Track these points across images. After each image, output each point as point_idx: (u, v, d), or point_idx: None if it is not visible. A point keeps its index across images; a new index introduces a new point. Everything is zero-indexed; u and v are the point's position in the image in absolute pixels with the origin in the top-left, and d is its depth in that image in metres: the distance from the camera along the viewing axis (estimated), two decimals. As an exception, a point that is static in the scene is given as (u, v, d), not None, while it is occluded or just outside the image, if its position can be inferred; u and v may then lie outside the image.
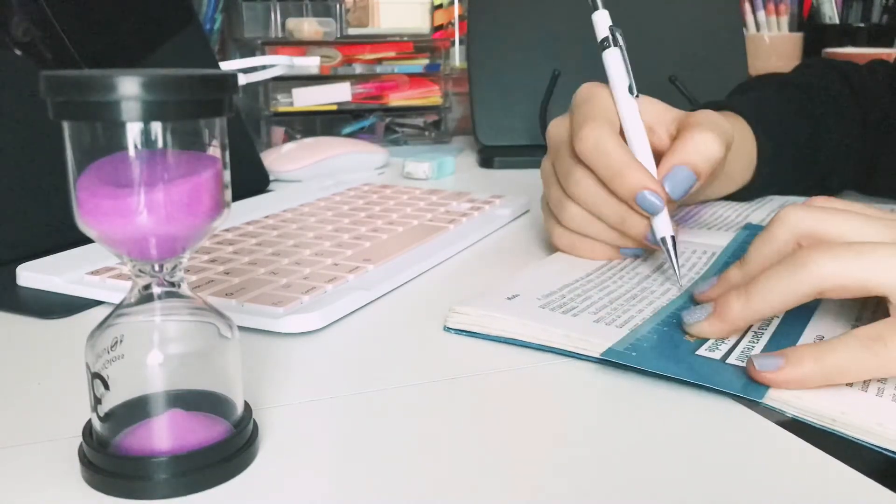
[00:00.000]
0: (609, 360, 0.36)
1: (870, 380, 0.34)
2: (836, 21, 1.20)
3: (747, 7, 1.17)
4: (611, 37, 0.48)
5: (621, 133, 0.47)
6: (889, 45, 1.15)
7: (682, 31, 0.97)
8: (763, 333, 0.39)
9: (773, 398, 0.33)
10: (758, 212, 0.64)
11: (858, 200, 0.66)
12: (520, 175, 0.84)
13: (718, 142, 0.46)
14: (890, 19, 1.18)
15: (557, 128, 0.50)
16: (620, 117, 0.47)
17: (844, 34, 1.17)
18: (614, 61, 0.48)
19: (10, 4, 0.55)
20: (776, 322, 0.40)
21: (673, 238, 0.45)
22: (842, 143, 0.67)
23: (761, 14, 1.17)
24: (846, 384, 0.33)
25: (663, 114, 0.49)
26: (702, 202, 0.65)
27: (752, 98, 0.66)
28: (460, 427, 0.32)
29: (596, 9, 0.49)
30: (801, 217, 0.38)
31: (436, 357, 0.39)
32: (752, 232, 0.56)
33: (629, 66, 0.48)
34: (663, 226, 0.45)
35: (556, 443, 0.31)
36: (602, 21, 0.49)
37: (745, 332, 0.39)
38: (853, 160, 0.68)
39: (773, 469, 0.29)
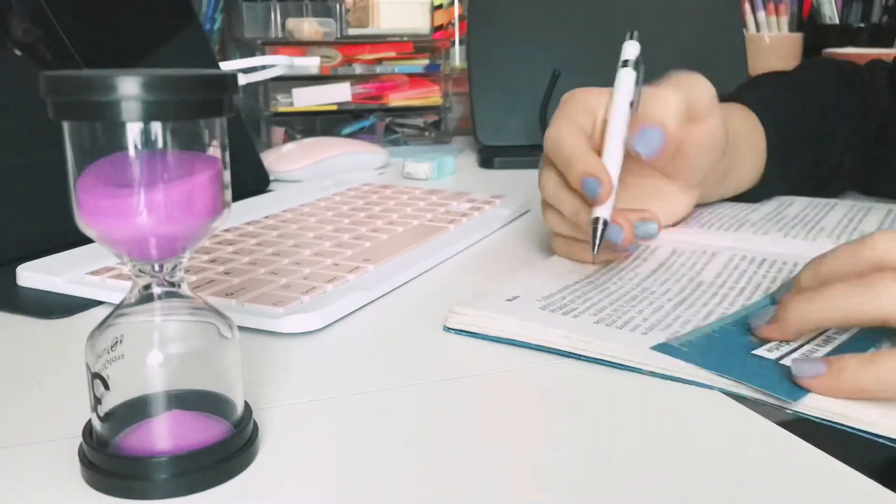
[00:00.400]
0: (606, 362, 0.37)
1: None
2: (836, 21, 1.20)
3: (747, 7, 1.17)
4: (633, 61, 0.50)
5: (601, 138, 0.48)
6: (889, 45, 1.15)
7: (682, 31, 0.97)
8: (835, 339, 0.38)
9: (807, 405, 0.32)
10: (755, 213, 0.62)
11: (860, 201, 0.67)
12: (520, 175, 0.84)
13: (676, 95, 0.48)
14: (890, 19, 1.18)
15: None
16: (608, 120, 0.48)
17: (844, 34, 1.17)
18: (627, 79, 0.49)
19: (10, 4, 0.55)
20: (855, 330, 0.38)
21: (605, 222, 0.44)
22: (847, 142, 0.67)
23: (761, 14, 1.17)
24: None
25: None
26: (715, 201, 0.63)
27: (760, 94, 0.66)
28: (460, 427, 0.32)
29: (631, 38, 0.52)
30: (891, 245, 0.35)
31: (436, 357, 0.39)
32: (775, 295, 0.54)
33: (640, 89, 0.50)
34: (602, 208, 0.45)
35: (557, 443, 0.31)
36: (632, 50, 0.52)
37: (818, 335, 0.38)
38: (857, 160, 0.68)
39: (773, 469, 0.29)
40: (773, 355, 0.36)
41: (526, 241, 0.59)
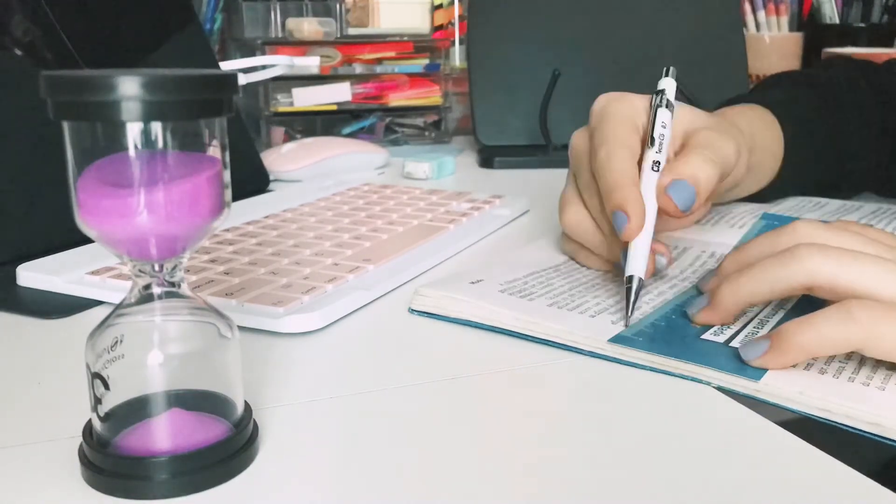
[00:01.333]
0: (552, 343, 0.39)
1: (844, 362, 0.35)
2: (836, 21, 1.20)
3: (747, 7, 1.17)
4: (669, 100, 0.48)
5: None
6: (889, 45, 1.15)
7: (682, 31, 0.97)
8: (769, 321, 0.40)
9: (771, 383, 0.33)
10: (741, 208, 0.63)
11: (874, 202, 0.67)
12: (520, 175, 0.84)
13: (713, 166, 0.45)
14: (890, 19, 1.18)
15: (578, 141, 0.50)
16: (643, 164, 0.46)
17: (844, 34, 1.17)
18: (664, 118, 0.47)
19: (10, 4, 0.55)
20: (785, 310, 0.41)
21: (640, 280, 0.42)
22: (863, 143, 0.66)
23: (761, 14, 1.17)
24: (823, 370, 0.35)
25: (697, 122, 0.49)
26: (725, 203, 0.63)
27: (777, 94, 0.65)
28: (460, 427, 0.32)
29: (667, 75, 0.50)
30: (810, 231, 0.38)
31: (436, 357, 0.39)
32: (769, 222, 0.56)
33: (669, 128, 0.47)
34: (636, 262, 0.42)
35: (557, 442, 0.31)
36: (669, 86, 0.49)
37: (753, 317, 0.40)
38: (872, 161, 0.67)
39: (772, 469, 0.29)
40: (720, 339, 0.38)
41: (526, 241, 0.59)
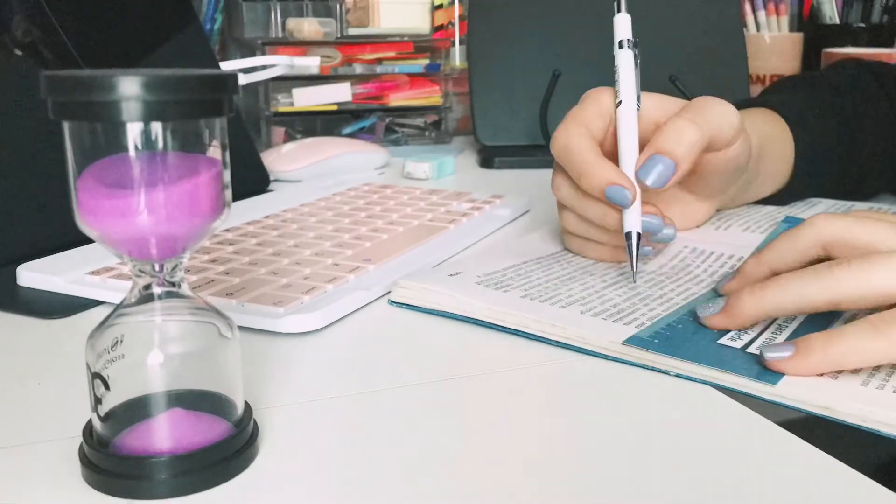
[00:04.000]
0: (523, 333, 0.40)
1: (876, 371, 0.34)
2: (836, 21, 1.20)
3: (747, 7, 1.17)
4: (628, 41, 0.48)
5: (614, 139, 0.47)
6: (889, 45, 1.15)
7: (682, 31, 0.97)
8: (787, 326, 0.39)
9: (786, 388, 0.33)
10: (758, 212, 0.62)
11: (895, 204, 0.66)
12: (520, 175, 0.84)
13: (694, 128, 0.45)
14: (890, 19, 1.18)
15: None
16: (617, 120, 0.47)
17: (844, 34, 1.17)
18: (626, 63, 0.48)
19: (10, 4, 0.55)
20: (802, 318, 0.40)
21: (639, 235, 0.44)
22: (878, 144, 0.66)
23: (761, 14, 1.17)
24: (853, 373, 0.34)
25: (671, 108, 0.48)
26: (739, 206, 0.62)
27: (788, 97, 0.65)
28: (460, 427, 0.32)
29: (619, 11, 0.49)
30: (829, 222, 0.38)
31: (436, 357, 0.39)
32: (790, 225, 0.55)
33: (638, 79, 0.48)
34: (630, 220, 0.44)
35: (557, 442, 0.31)
36: (624, 24, 0.49)
37: (770, 323, 0.40)
38: (889, 162, 0.66)
39: (772, 469, 0.29)
40: (737, 344, 0.37)
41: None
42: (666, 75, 0.90)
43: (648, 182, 0.44)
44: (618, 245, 0.48)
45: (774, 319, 0.40)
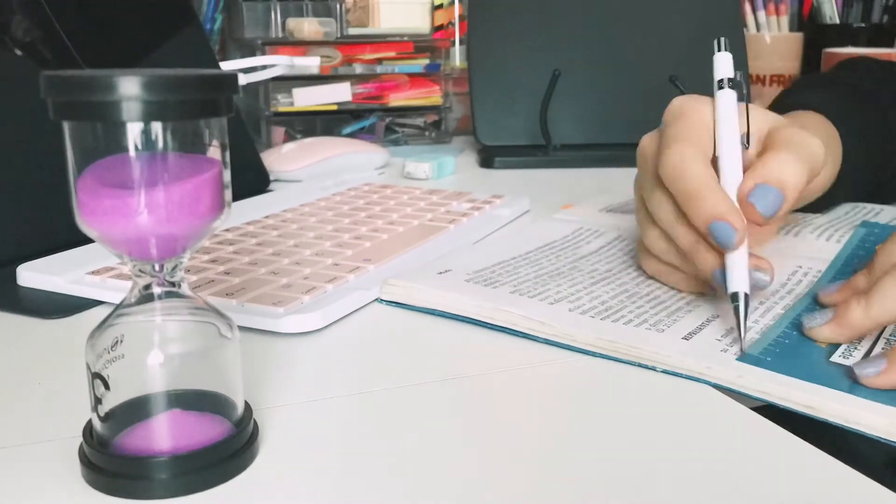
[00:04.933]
0: (511, 330, 0.40)
1: None
2: (836, 21, 1.20)
3: (747, 7, 1.17)
4: (729, 80, 0.44)
5: (714, 162, 0.42)
6: (889, 45, 1.15)
7: (682, 31, 0.97)
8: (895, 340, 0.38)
9: None
10: (820, 217, 0.60)
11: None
12: (520, 175, 0.84)
13: (801, 166, 0.41)
14: (890, 19, 1.18)
15: (647, 144, 0.46)
16: (720, 157, 0.42)
17: (844, 34, 1.17)
18: (730, 105, 0.43)
19: (10, 4, 0.55)
20: None
21: (746, 296, 0.38)
22: None
23: (761, 14, 1.17)
24: None
25: (768, 123, 0.45)
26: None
27: (826, 97, 0.61)
28: (460, 427, 0.32)
29: (720, 50, 0.46)
30: None
31: (436, 357, 0.39)
32: (869, 230, 0.53)
33: (747, 116, 0.44)
34: (738, 278, 0.38)
35: (557, 441, 0.31)
36: (726, 64, 0.46)
37: (879, 335, 0.38)
38: None
39: (773, 469, 0.29)
40: (850, 362, 0.35)
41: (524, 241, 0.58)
42: (666, 75, 0.90)
43: (760, 208, 0.40)
44: (697, 277, 0.44)
45: (882, 331, 0.38)
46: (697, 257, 0.41)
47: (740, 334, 0.37)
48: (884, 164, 0.63)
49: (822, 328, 0.37)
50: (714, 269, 0.40)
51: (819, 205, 0.59)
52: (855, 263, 0.48)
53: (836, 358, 0.36)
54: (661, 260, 0.45)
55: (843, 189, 0.59)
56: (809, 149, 0.42)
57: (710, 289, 0.43)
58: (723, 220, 0.39)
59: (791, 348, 0.37)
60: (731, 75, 0.44)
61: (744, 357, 0.35)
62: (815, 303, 0.42)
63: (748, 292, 0.38)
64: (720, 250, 0.40)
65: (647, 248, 0.46)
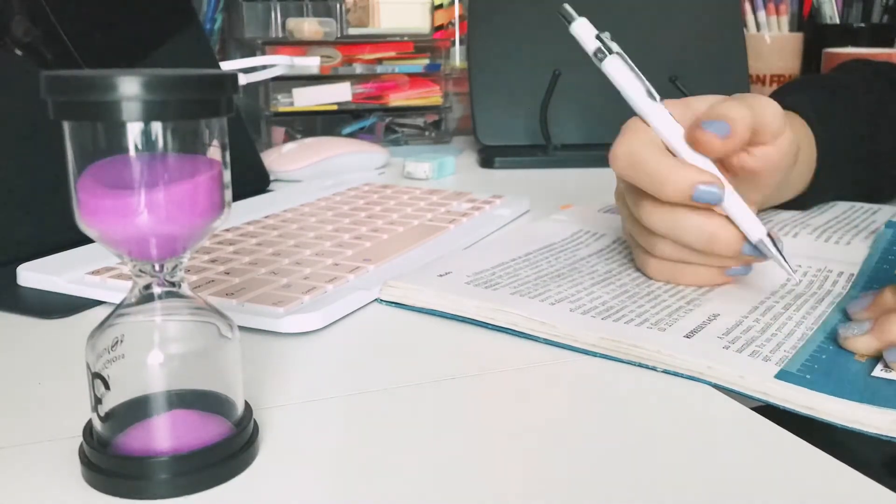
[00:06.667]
0: (510, 330, 0.40)
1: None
2: (837, 21, 1.20)
3: (747, 7, 1.17)
4: (602, 45, 0.44)
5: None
6: (889, 45, 1.15)
7: (682, 31, 0.97)
8: None
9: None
10: (816, 218, 0.60)
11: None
12: (520, 175, 0.84)
13: (741, 103, 0.42)
14: (890, 19, 1.18)
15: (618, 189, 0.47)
16: (652, 127, 0.43)
17: (844, 34, 1.17)
18: (616, 69, 0.43)
19: (10, 4, 0.55)
20: None
21: (770, 236, 0.40)
22: (894, 145, 0.64)
23: (761, 14, 1.17)
24: None
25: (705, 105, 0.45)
26: (763, 212, 0.60)
27: (804, 98, 0.62)
28: (460, 427, 0.32)
29: (571, 21, 0.45)
30: None
31: (436, 357, 0.39)
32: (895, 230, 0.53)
33: (638, 71, 0.44)
34: (753, 228, 0.40)
35: (557, 441, 0.31)
36: (585, 31, 0.45)
37: None
38: None
39: (773, 469, 0.29)
40: (893, 377, 0.35)
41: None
42: (666, 75, 0.90)
43: (713, 129, 0.40)
44: (720, 265, 0.44)
45: None
46: (718, 246, 0.42)
47: (787, 271, 0.40)
48: (870, 163, 0.64)
49: (859, 339, 0.36)
50: (740, 245, 0.41)
51: (804, 201, 0.61)
52: (886, 269, 0.47)
53: (878, 372, 0.35)
54: (677, 261, 0.45)
55: (827, 184, 0.60)
56: (749, 100, 0.43)
57: (724, 276, 0.45)
58: (701, 184, 0.40)
59: (829, 363, 0.36)
60: (599, 44, 0.44)
61: (781, 374, 0.34)
62: (845, 316, 0.40)
63: (770, 233, 0.41)
64: (737, 231, 0.41)
65: (659, 258, 0.45)
